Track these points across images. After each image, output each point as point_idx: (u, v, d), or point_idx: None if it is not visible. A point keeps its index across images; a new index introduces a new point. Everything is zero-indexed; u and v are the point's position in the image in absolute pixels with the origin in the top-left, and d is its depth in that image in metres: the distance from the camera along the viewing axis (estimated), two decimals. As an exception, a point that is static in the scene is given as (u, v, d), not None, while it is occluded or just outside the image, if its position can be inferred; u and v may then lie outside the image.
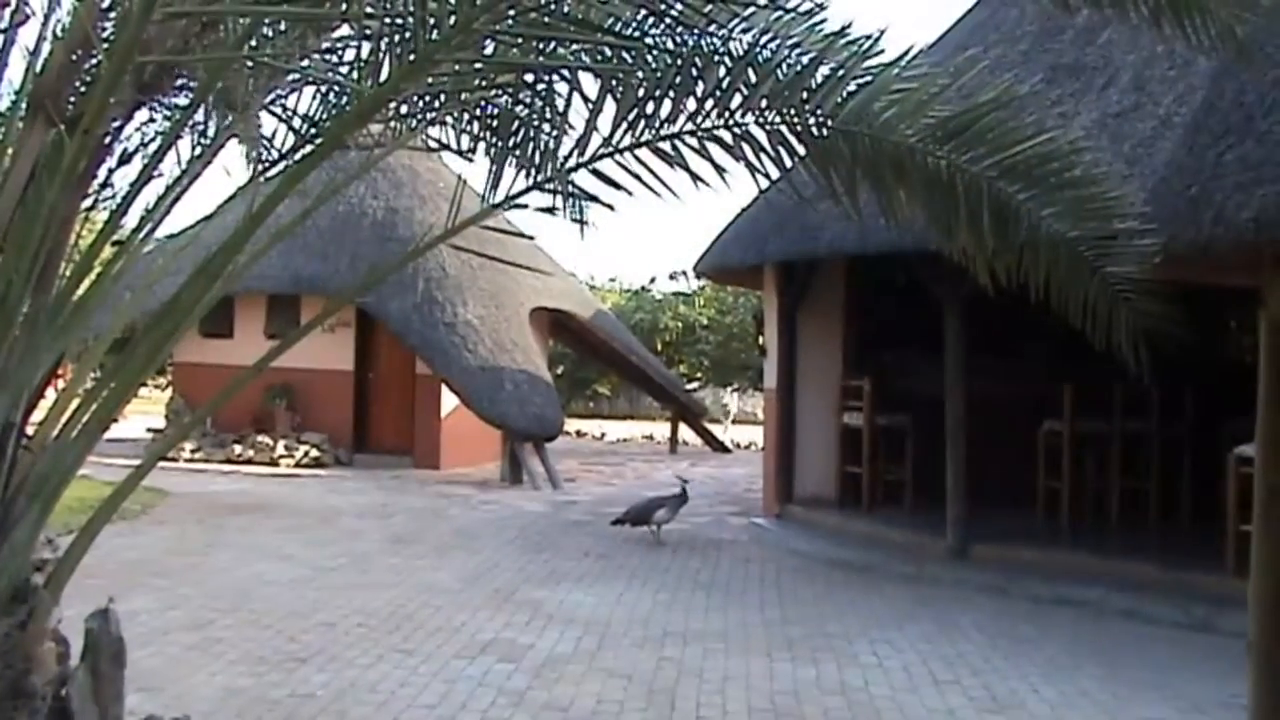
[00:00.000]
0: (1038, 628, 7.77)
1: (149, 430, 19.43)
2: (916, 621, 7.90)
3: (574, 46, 3.52)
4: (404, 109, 3.81)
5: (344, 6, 3.37)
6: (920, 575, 9.40)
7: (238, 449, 17.39)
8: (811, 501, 12.18)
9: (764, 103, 3.53)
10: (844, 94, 3.60)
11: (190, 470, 16.34)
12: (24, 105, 3.30)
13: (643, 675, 6.51)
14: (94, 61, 3.39)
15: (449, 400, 17.13)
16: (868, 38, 3.73)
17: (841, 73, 3.61)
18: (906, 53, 3.85)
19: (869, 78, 3.64)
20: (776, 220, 10.89)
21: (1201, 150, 5.93)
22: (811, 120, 3.57)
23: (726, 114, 3.55)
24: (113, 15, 3.50)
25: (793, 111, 3.55)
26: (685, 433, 23.77)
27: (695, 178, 3.63)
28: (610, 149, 3.54)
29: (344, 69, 3.79)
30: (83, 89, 3.43)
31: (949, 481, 9.74)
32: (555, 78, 3.63)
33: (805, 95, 3.55)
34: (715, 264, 12.53)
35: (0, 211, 3.13)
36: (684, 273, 30.69)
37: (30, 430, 3.24)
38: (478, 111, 3.87)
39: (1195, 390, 10.19)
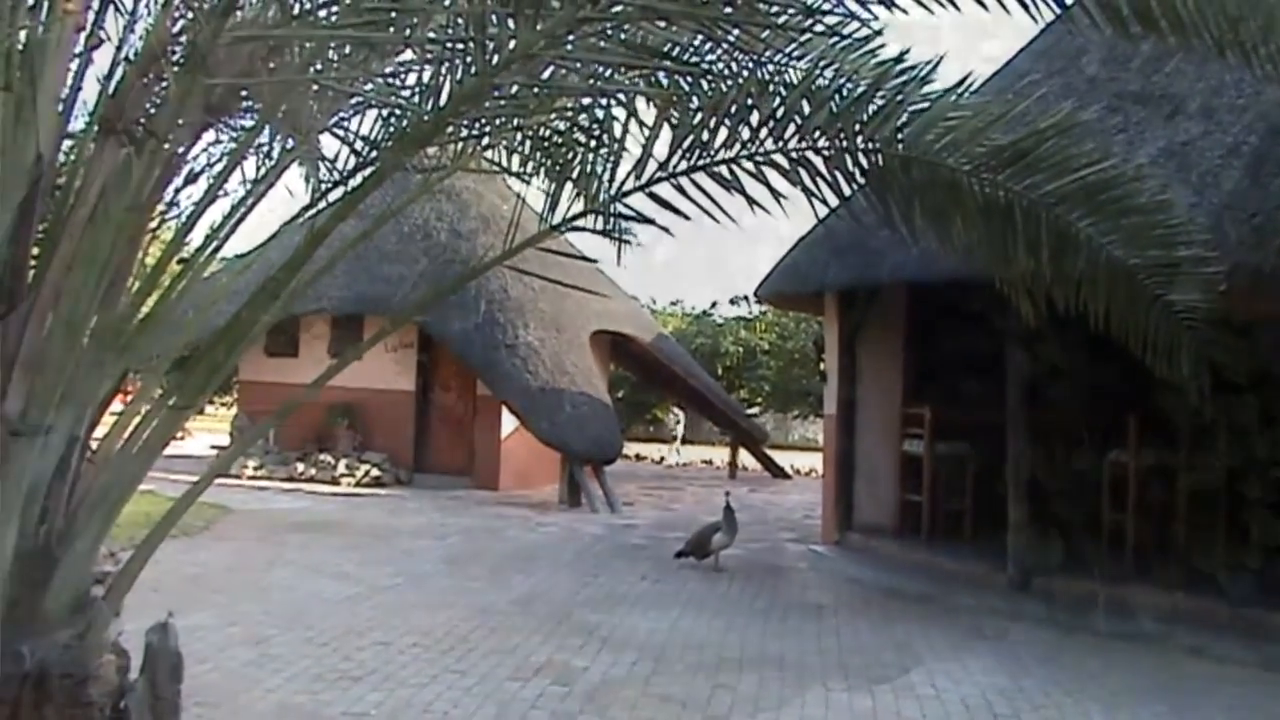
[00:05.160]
0: (1101, 663, 7.62)
1: (213, 447, 19.72)
2: (976, 654, 7.79)
3: (631, 72, 3.55)
4: (463, 132, 3.85)
5: (407, 32, 3.43)
6: (980, 606, 9.27)
7: (300, 467, 17.58)
8: (871, 529, 12.07)
9: (818, 129, 3.54)
10: (900, 121, 3.59)
11: (252, 488, 16.54)
12: (96, 126, 3.38)
13: (697, 701, 6.47)
14: (163, 84, 3.47)
15: (509, 422, 17.22)
16: (924, 64, 3.72)
17: (899, 99, 3.60)
18: (965, 79, 3.84)
19: (925, 104, 3.63)
20: (837, 247, 10.84)
21: (1267, 179, 5.84)
22: (867, 146, 3.57)
23: (782, 140, 3.56)
24: (183, 39, 3.58)
25: (848, 138, 3.55)
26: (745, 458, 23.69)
27: (752, 202, 3.63)
28: (666, 173, 3.56)
29: (405, 92, 3.85)
30: (153, 110, 3.51)
31: (1010, 511, 9.61)
32: (612, 102, 3.66)
33: (861, 122, 3.55)
34: (776, 289, 12.50)
35: (70, 228, 3.21)
36: (745, 298, 30.64)
37: (94, 444, 3.31)
38: (535, 135, 3.91)
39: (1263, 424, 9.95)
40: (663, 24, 3.33)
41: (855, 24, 3.40)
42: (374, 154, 4.00)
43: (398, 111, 3.92)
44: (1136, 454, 10.03)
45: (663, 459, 26.09)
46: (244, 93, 3.60)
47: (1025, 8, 3.25)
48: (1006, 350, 9.70)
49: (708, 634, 8.18)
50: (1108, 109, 8.15)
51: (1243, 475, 7.45)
